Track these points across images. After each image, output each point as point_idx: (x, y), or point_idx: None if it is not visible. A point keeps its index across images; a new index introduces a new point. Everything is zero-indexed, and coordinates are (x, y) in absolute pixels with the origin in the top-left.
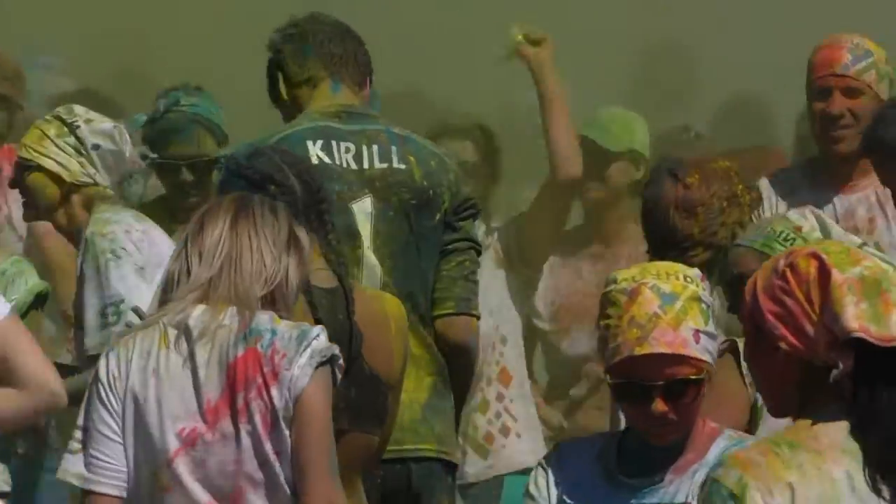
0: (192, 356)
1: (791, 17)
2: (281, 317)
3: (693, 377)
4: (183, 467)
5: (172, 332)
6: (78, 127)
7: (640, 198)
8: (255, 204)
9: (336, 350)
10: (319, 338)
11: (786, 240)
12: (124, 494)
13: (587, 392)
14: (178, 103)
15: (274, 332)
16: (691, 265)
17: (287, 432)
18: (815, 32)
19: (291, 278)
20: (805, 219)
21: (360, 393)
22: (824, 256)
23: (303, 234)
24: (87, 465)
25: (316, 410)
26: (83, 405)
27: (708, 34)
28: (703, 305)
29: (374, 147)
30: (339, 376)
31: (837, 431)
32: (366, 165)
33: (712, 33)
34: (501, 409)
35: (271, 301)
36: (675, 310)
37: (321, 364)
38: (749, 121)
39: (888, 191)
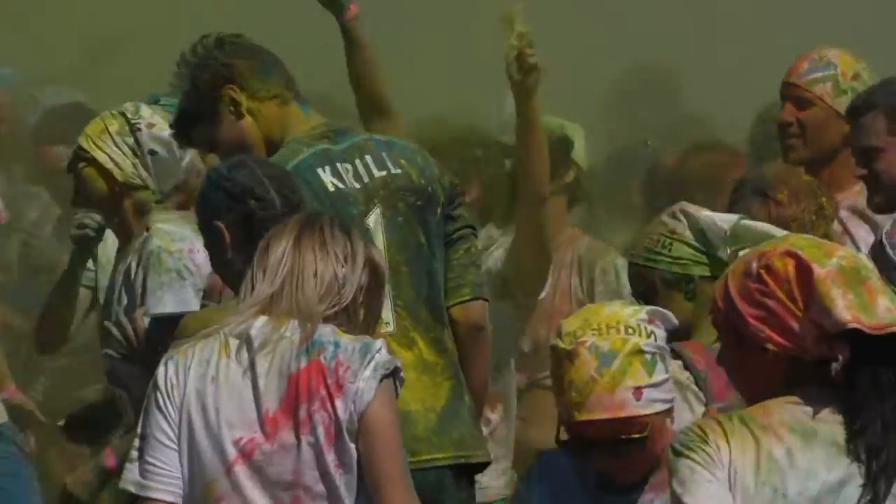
0: (252, 366)
1: (771, 37)
2: (343, 331)
3: (635, 435)
4: (242, 476)
5: (234, 342)
6: (139, 129)
7: (577, 203)
8: (325, 223)
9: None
10: (382, 351)
11: (663, 247)
12: (179, 501)
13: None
14: (157, 102)
15: (337, 345)
16: None
17: (352, 445)
18: (797, 52)
19: (367, 299)
20: (677, 220)
21: None
22: (799, 252)
23: (378, 257)
24: (143, 471)
25: (385, 423)
26: (142, 412)
27: (687, 55)
28: (647, 356)
29: (368, 157)
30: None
31: (793, 412)
32: (366, 179)
33: (691, 54)
34: (487, 433)
35: (336, 319)
36: (612, 371)
37: (385, 377)
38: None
39: (856, 200)
